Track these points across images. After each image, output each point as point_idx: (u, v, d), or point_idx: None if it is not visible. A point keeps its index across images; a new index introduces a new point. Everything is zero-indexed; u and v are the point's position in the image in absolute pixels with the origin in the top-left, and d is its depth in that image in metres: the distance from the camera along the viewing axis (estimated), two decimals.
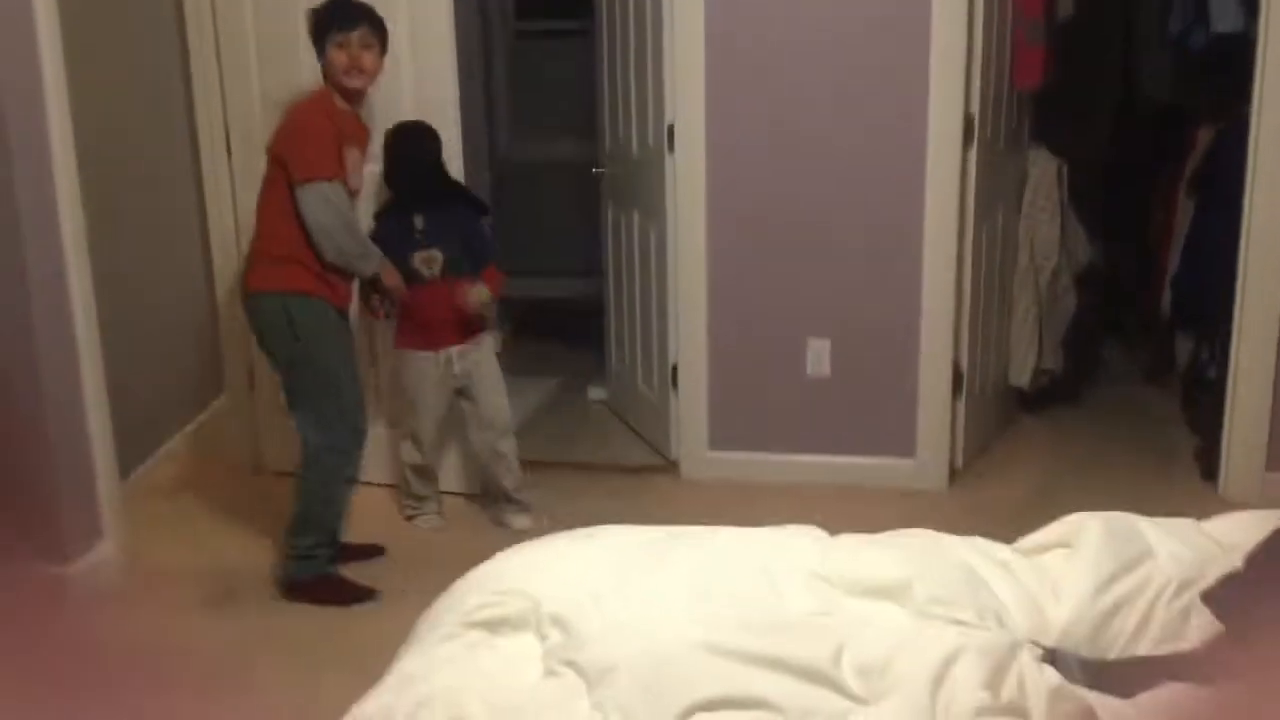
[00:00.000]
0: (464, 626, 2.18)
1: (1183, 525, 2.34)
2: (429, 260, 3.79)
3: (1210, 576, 2.07)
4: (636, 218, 4.61)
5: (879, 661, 1.95)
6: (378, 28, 3.52)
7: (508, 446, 4.03)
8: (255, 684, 3.13)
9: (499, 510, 4.06)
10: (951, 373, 4.22)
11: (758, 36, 4.08)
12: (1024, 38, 4.34)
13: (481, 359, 3.95)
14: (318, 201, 3.40)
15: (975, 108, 4.05)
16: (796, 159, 4.15)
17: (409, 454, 4.03)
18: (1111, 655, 2.05)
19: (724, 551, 2.33)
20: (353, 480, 3.66)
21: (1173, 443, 4.53)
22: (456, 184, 3.96)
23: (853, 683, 1.93)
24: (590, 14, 5.01)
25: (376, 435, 4.16)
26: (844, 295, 4.22)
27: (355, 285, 3.72)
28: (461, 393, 3.98)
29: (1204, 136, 4.64)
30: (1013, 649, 1.96)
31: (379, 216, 3.89)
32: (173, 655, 2.80)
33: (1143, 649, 2.05)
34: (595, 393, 5.19)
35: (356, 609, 3.53)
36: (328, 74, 3.51)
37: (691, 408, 4.39)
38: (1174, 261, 4.79)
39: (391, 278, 3.68)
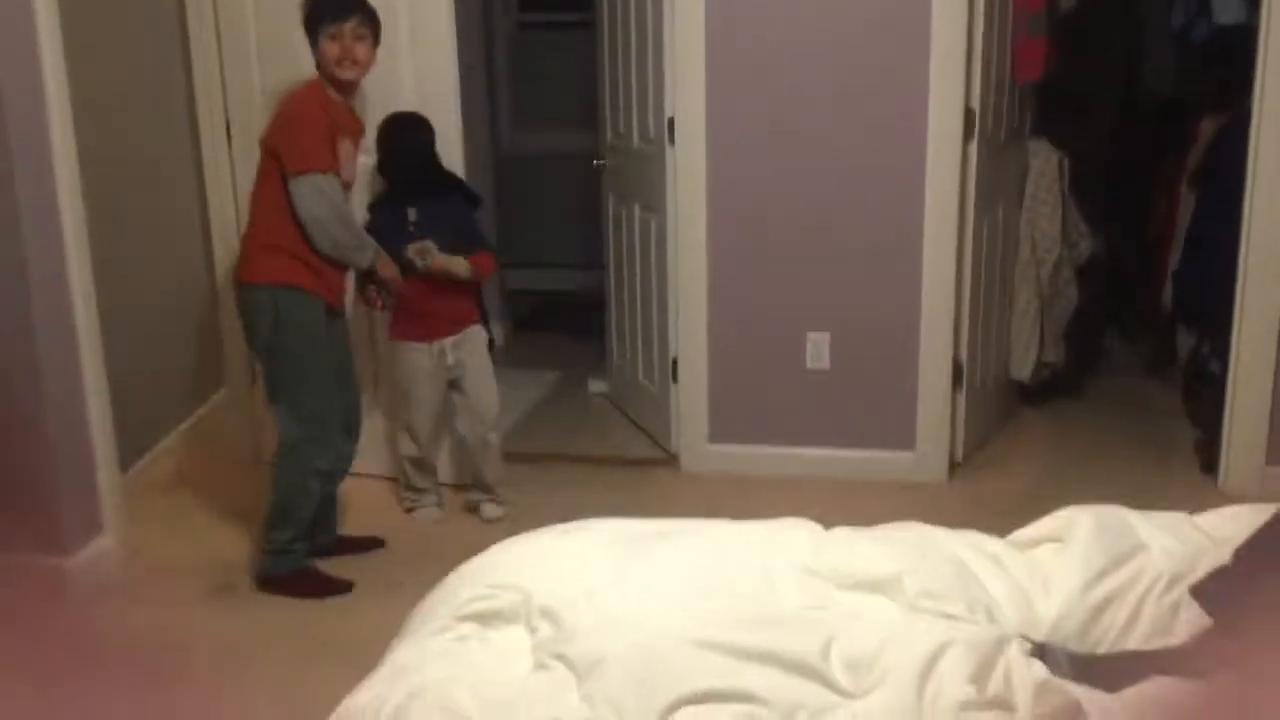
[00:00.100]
0: (456, 619, 2.19)
1: (1175, 519, 2.33)
2: (422, 251, 3.79)
3: (1200, 571, 2.07)
4: (637, 210, 4.60)
5: (867, 655, 1.96)
6: (370, 19, 3.51)
7: (494, 439, 4.06)
8: (254, 676, 3.14)
9: (475, 498, 4.09)
10: (951, 366, 4.22)
11: (758, 29, 4.07)
12: (1025, 30, 4.33)
13: (473, 351, 3.97)
14: (312, 193, 3.40)
15: (976, 101, 4.04)
16: (797, 152, 4.14)
17: (406, 446, 4.04)
18: (1101, 649, 2.06)
19: (716, 545, 2.33)
20: (328, 473, 3.64)
21: (1173, 436, 4.53)
22: (450, 175, 3.96)
23: (841, 676, 1.94)
24: (593, 6, 5.01)
25: (376, 428, 4.17)
26: (844, 288, 4.21)
27: (351, 277, 3.72)
28: (453, 384, 4.00)
29: (1206, 129, 4.63)
30: (1000, 643, 1.96)
31: (373, 208, 3.90)
32: (172, 648, 2.81)
33: (1133, 643, 2.05)
34: (596, 386, 5.19)
35: (331, 601, 3.55)
36: (320, 65, 3.50)
37: (691, 401, 4.39)
38: (1175, 255, 4.78)
39: (387, 269, 3.68)
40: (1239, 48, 4.10)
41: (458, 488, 4.22)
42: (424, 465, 4.08)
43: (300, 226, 3.42)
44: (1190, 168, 4.73)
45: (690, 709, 1.87)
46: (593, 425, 4.92)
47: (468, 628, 2.18)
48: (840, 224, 4.17)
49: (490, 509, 4.06)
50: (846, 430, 4.30)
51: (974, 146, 4.08)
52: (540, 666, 2.05)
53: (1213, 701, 1.64)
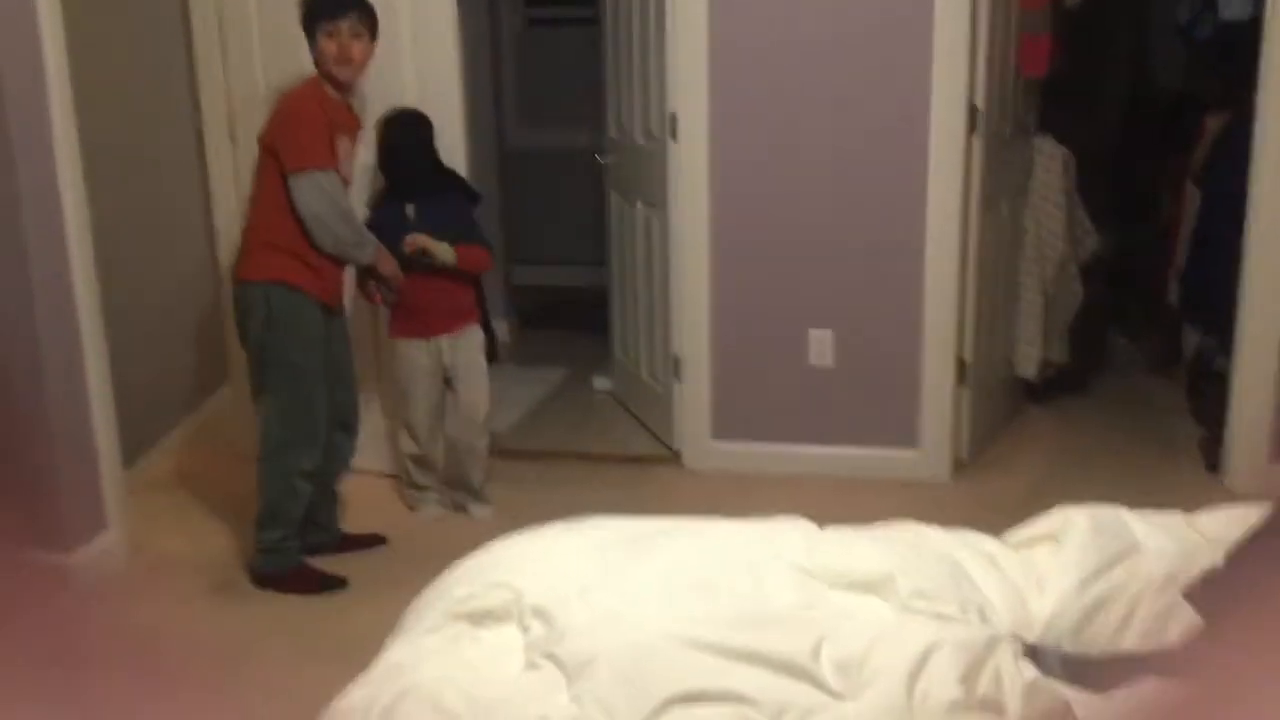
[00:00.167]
0: (449, 618, 2.19)
1: (1171, 520, 2.33)
2: (412, 242, 3.78)
3: (1194, 572, 2.06)
4: (640, 207, 4.60)
5: (858, 655, 1.95)
6: (367, 16, 3.51)
7: (482, 441, 4.06)
8: (254, 672, 3.15)
9: (462, 499, 4.09)
10: (956, 363, 4.20)
11: (761, 25, 4.06)
12: (1030, 26, 4.31)
13: (468, 352, 3.97)
14: (311, 190, 3.40)
15: (980, 98, 4.02)
16: (800, 148, 4.13)
17: (407, 444, 4.04)
18: (1095, 650, 2.05)
19: (710, 545, 2.33)
20: (314, 473, 3.62)
21: (1178, 434, 4.51)
22: (450, 172, 3.96)
23: (831, 677, 1.94)
24: (598, 2, 5.00)
25: (378, 425, 4.18)
26: (847, 285, 4.20)
27: (350, 274, 3.72)
28: (447, 383, 4.00)
29: (1211, 126, 4.61)
30: (990, 644, 1.95)
31: (372, 205, 3.90)
32: (175, 644, 2.81)
33: (1127, 644, 2.04)
34: (600, 383, 5.18)
35: (331, 597, 3.56)
36: (318, 63, 3.50)
37: (694, 398, 4.39)
38: (1181, 252, 4.76)
39: (388, 265, 3.68)
40: (1244, 43, 4.07)
41: (452, 486, 4.23)
42: (425, 462, 4.08)
43: (300, 224, 3.42)
44: (1195, 164, 4.71)
45: (679, 709, 1.87)
46: (596, 422, 4.92)
47: (460, 627, 2.18)
48: (843, 220, 4.15)
49: (477, 510, 4.07)
50: (850, 428, 4.29)
51: (978, 143, 4.06)
52: (531, 666, 2.05)
53: (1202, 703, 1.63)
